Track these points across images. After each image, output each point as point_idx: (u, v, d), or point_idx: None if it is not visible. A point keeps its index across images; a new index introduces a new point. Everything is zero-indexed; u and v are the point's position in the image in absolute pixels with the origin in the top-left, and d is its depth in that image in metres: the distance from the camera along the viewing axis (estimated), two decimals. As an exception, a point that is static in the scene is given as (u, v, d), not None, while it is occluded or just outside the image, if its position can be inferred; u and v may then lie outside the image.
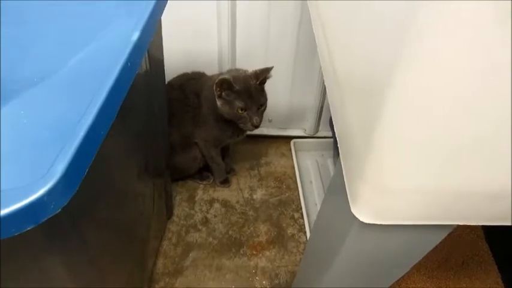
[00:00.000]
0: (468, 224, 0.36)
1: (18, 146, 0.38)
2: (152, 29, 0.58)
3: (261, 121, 0.95)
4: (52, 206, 0.34)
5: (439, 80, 0.28)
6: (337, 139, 0.41)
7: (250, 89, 0.91)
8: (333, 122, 0.43)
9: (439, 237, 0.42)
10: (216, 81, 0.90)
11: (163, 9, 0.64)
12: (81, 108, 0.40)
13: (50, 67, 0.49)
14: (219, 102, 0.94)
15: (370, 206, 0.36)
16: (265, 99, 0.96)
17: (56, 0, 0.61)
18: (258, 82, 0.92)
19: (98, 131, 0.40)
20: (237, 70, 0.99)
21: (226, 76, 0.89)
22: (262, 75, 0.92)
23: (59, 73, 0.48)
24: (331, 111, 0.44)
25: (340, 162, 0.41)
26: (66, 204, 0.35)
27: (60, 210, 0.35)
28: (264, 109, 0.97)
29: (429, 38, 0.26)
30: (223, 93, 0.92)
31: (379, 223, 0.36)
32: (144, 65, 0.69)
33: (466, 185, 0.33)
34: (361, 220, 0.37)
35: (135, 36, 0.51)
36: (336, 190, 0.47)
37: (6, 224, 0.32)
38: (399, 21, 0.31)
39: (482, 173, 0.32)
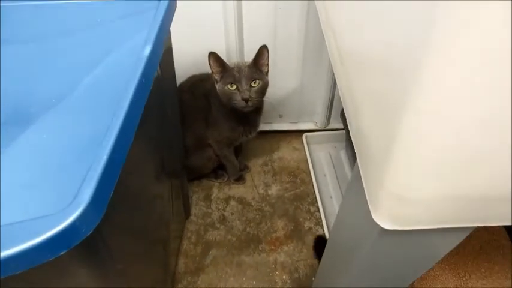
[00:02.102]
0: (486, 225, 0.37)
1: (45, 172, 0.39)
2: (163, 40, 0.58)
3: (254, 97, 0.93)
4: (83, 230, 0.35)
5: (455, 90, 0.28)
6: (354, 147, 0.41)
7: (241, 67, 0.94)
8: (349, 130, 0.44)
9: (460, 237, 0.42)
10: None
11: (172, 18, 0.64)
12: (101, 130, 0.40)
13: (65, 87, 0.49)
14: (217, 87, 0.96)
15: (391, 213, 0.36)
16: (260, 76, 0.94)
17: (65, 14, 0.61)
18: (253, 61, 0.94)
19: (119, 152, 0.41)
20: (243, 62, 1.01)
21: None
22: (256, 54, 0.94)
23: (74, 93, 0.48)
24: (347, 118, 0.44)
25: (357, 167, 0.42)
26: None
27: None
28: (260, 87, 0.94)
29: (444, 39, 0.26)
30: (218, 78, 0.95)
31: (400, 229, 0.37)
32: (156, 71, 0.69)
33: (483, 190, 0.33)
34: (382, 227, 0.37)
35: (147, 50, 0.51)
36: (354, 194, 0.48)
37: (41, 251, 0.33)
38: (410, 21, 0.31)
39: (498, 179, 0.32)
